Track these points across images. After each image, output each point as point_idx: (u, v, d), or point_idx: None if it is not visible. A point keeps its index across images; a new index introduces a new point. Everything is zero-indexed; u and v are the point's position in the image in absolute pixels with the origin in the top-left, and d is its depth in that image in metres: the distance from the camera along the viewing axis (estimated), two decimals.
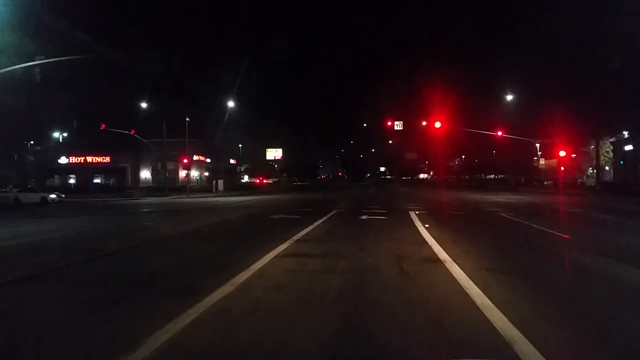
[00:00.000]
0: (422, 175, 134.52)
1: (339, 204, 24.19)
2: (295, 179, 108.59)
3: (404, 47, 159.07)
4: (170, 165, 54.05)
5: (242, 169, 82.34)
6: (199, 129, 61.04)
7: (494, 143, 68.97)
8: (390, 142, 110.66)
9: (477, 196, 34.08)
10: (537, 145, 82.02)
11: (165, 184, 49.51)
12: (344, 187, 68.99)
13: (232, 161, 75.58)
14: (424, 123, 52.06)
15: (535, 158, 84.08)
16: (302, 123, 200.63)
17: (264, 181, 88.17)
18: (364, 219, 15.51)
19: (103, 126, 42.55)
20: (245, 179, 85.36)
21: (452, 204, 25.28)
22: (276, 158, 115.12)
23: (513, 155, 75.95)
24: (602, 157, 57.52)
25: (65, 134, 73.89)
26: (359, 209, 19.89)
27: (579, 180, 60.60)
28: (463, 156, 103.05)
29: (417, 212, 17.67)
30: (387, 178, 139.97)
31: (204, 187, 57.02)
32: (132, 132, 45.10)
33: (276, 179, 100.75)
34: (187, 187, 46.41)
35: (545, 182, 63.59)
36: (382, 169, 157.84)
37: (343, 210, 19.57)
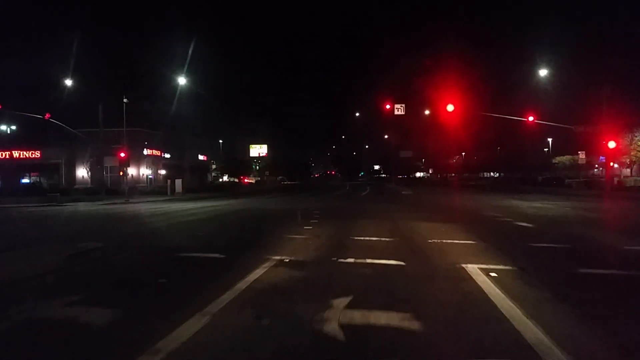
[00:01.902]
0: (418, 174, 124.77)
1: (303, 227, 13.00)
2: (284, 177, 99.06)
3: (401, 26, 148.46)
4: (112, 162, 43.23)
5: (214, 166, 71.14)
6: (158, 118, 50.88)
7: (512, 135, 58.86)
8: (385, 136, 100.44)
9: (524, 204, 22.77)
10: (549, 140, 72.48)
11: (103, 184, 39.58)
12: (333, 188, 57.89)
13: (201, 157, 64.16)
14: (427, 112, 44.40)
15: (535, 154, 74.55)
16: (292, 119, 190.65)
17: (245, 180, 78.60)
18: None
19: None
20: (225, 178, 74.82)
21: (522, 226, 13.40)
22: (261, 155, 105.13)
23: (529, 151, 66.01)
24: (632, 153, 47.84)
25: (13, 127, 63.90)
26: (334, 251, 8.59)
27: (615, 179, 50.41)
28: (463, 153, 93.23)
29: (492, 274, 6.42)
30: (382, 176, 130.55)
31: (158, 188, 46.93)
32: (48, 116, 34.38)
33: (259, 178, 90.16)
34: (125, 189, 37.28)
35: (566, 181, 53.84)
36: (377, 167, 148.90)
37: (292, 261, 7.77)
